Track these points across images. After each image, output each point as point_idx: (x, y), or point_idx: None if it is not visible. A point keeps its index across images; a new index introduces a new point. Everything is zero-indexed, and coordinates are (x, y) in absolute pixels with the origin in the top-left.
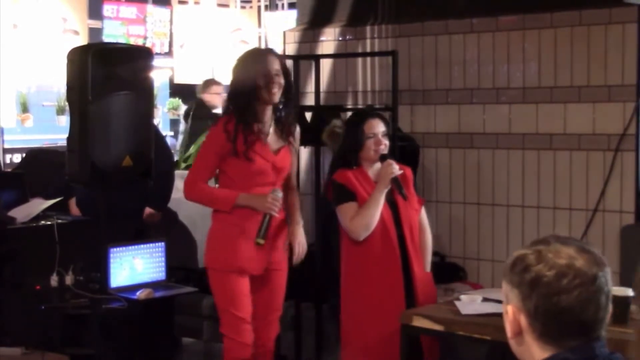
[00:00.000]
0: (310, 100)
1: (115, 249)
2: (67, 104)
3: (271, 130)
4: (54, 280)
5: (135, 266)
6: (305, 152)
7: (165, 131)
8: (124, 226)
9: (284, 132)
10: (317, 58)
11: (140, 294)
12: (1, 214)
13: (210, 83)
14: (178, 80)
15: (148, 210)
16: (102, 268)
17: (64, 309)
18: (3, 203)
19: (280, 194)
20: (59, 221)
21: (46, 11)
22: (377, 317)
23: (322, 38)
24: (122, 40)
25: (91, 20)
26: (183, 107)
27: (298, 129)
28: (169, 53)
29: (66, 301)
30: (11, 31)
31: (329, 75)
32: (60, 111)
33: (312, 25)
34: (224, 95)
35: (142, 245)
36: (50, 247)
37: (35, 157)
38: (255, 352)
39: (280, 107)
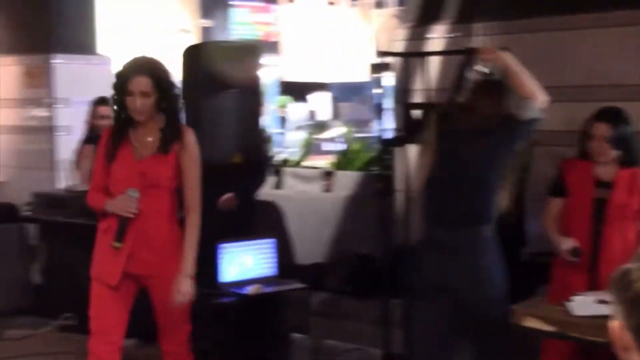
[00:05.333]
0: (418, 98)
1: (224, 246)
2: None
3: (151, 138)
4: None
5: (245, 262)
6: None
7: (274, 129)
8: (232, 222)
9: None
10: (424, 55)
11: (250, 289)
12: None
13: None
14: (287, 78)
15: (226, 195)
16: (212, 264)
17: None
18: None
19: (135, 194)
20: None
21: (160, 11)
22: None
23: (430, 35)
24: (249, 29)
25: (203, 20)
26: None
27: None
28: (277, 51)
29: None
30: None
31: (437, 73)
32: None
33: (421, 23)
34: None
35: (251, 242)
36: None
37: None
38: None
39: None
